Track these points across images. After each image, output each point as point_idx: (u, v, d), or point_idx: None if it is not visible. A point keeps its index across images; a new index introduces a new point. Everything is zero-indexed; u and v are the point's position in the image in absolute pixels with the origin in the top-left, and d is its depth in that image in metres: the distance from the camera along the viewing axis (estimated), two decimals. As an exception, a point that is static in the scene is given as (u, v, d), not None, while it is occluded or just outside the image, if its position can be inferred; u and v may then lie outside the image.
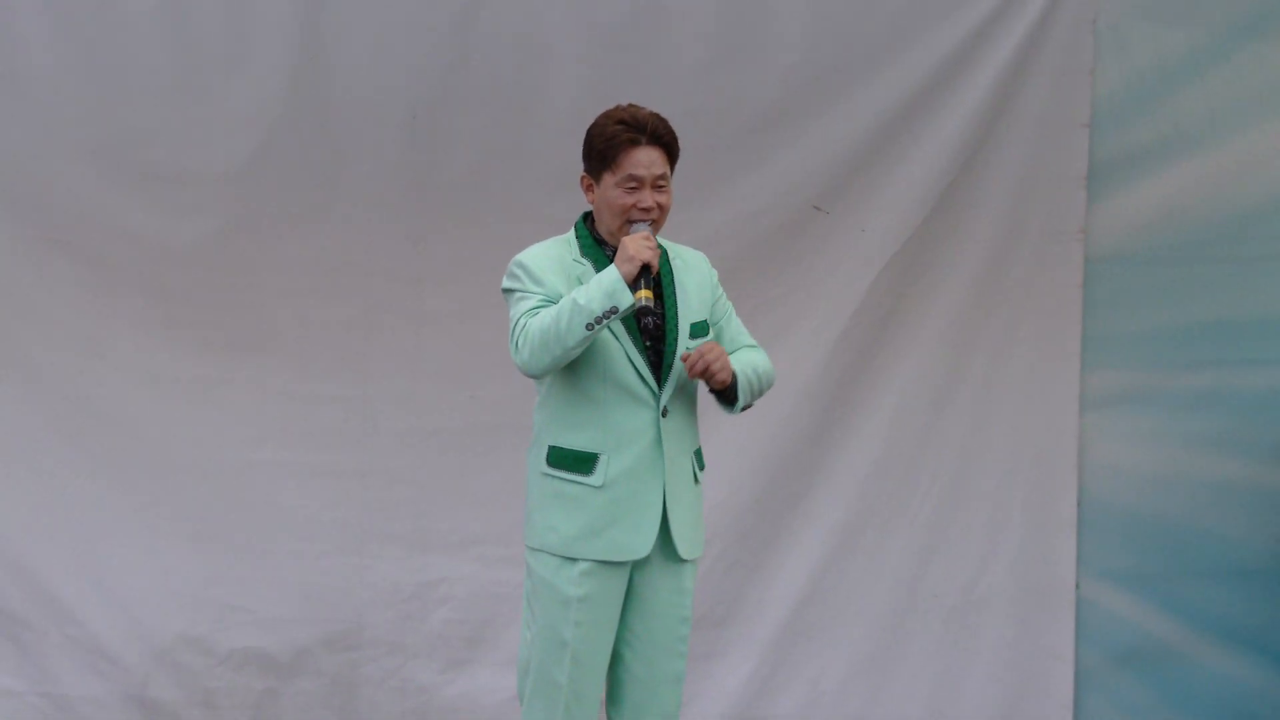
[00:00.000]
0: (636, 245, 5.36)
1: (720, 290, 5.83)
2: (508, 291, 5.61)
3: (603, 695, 5.75)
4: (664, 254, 5.67)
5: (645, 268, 5.36)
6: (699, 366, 5.47)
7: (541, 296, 5.51)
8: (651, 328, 5.55)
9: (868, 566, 7.65)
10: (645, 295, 5.33)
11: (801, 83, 7.46)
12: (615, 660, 5.68)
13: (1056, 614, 7.60)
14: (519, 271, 5.54)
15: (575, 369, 5.52)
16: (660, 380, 5.57)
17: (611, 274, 5.34)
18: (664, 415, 5.54)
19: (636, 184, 5.48)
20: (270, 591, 7.60)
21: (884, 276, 7.55)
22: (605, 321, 5.33)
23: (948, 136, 7.47)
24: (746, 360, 5.71)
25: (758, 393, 5.71)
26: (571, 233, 5.70)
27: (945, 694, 7.65)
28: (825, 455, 7.63)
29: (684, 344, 5.58)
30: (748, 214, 7.53)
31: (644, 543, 5.51)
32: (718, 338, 5.75)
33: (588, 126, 5.67)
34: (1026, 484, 7.64)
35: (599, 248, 5.61)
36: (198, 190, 7.50)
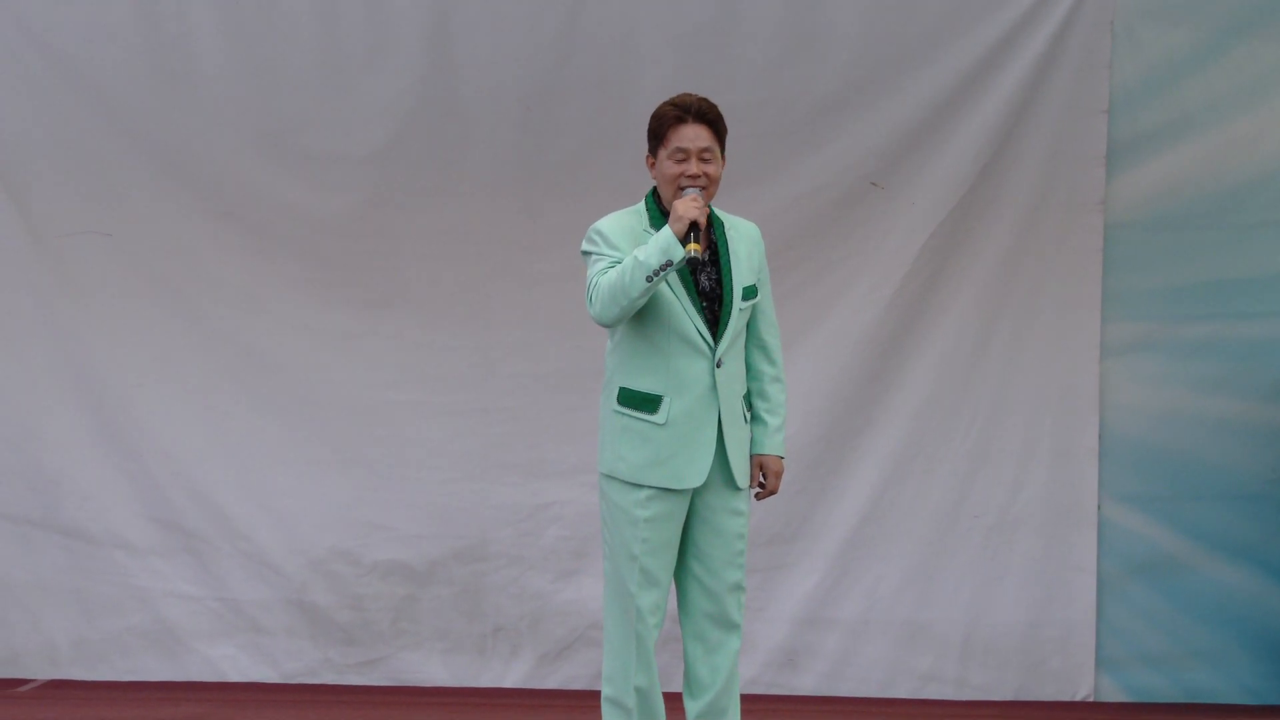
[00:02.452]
0: (685, 206, 5.56)
1: (765, 259, 5.95)
2: (586, 254, 5.78)
3: (670, 603, 5.92)
4: (720, 224, 5.85)
5: (694, 225, 5.53)
6: (773, 494, 5.96)
7: (613, 259, 5.69)
8: (708, 290, 5.74)
9: (917, 491, 8.04)
10: (694, 248, 5.51)
11: (857, 76, 7.89)
12: (685, 573, 5.86)
13: (1081, 532, 7.97)
14: (596, 237, 5.75)
15: (643, 322, 5.72)
16: (716, 336, 5.76)
17: (665, 232, 5.53)
18: (718, 366, 5.74)
19: (684, 155, 5.69)
20: (408, 512, 8.09)
21: (931, 242, 7.95)
22: (662, 273, 5.50)
23: (986, 121, 7.88)
24: (777, 423, 5.92)
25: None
26: (642, 205, 5.86)
27: (984, 600, 8.00)
28: (881, 396, 8.03)
29: (737, 306, 5.75)
30: (812, 189, 7.93)
31: (699, 473, 5.73)
32: (755, 307, 5.89)
33: None
34: (1054, 419, 7.98)
35: (665, 219, 5.76)
36: (344, 170, 8.06)
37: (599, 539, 7.44)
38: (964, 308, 8.05)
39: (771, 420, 5.91)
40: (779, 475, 5.91)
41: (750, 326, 5.92)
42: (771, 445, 5.90)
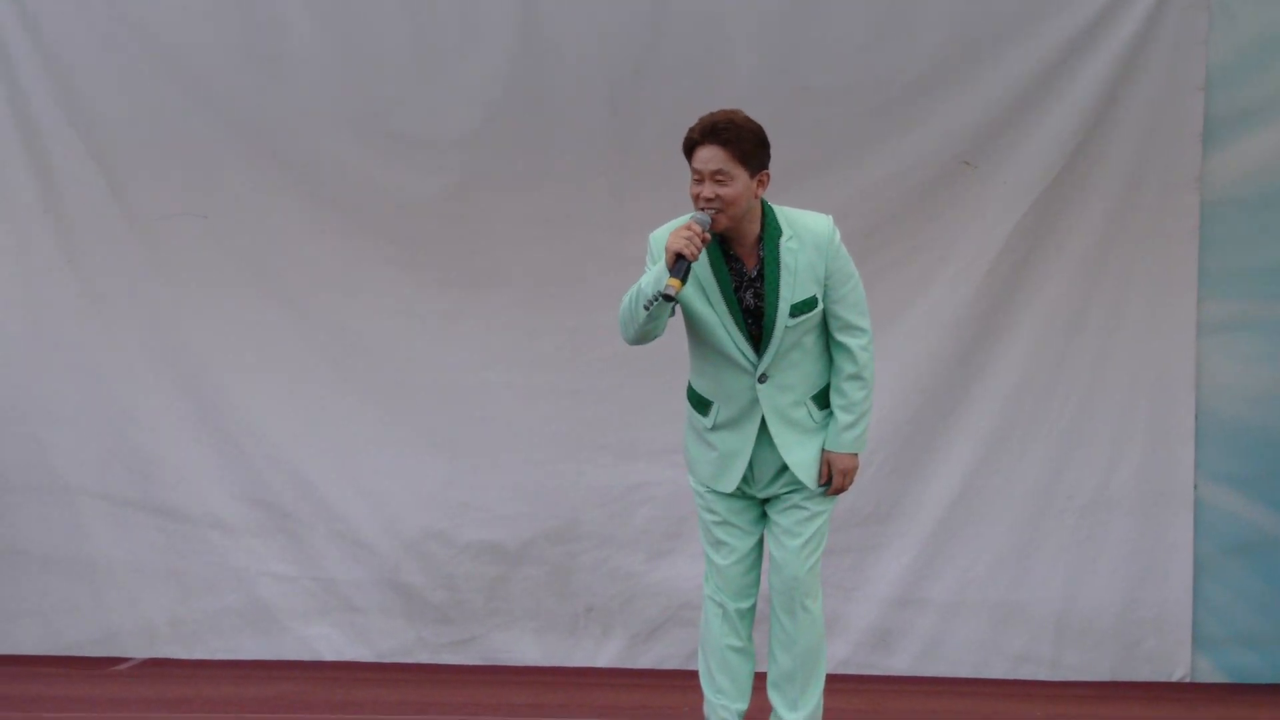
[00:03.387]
0: (674, 237, 5.49)
1: (842, 260, 5.75)
2: None
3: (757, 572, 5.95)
4: (775, 234, 5.71)
5: (680, 257, 5.45)
6: (840, 491, 5.84)
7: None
8: (753, 307, 5.69)
9: (1011, 471, 8.05)
10: (671, 284, 5.41)
11: (948, 57, 7.90)
12: (768, 544, 5.91)
13: (1177, 512, 7.97)
14: (647, 247, 5.76)
15: (695, 333, 5.78)
16: (759, 352, 5.73)
17: (661, 263, 5.53)
18: (761, 381, 5.73)
19: (699, 177, 5.61)
20: (500, 492, 8.18)
21: (1024, 222, 7.96)
22: (656, 303, 5.48)
23: (1080, 99, 7.89)
24: (849, 420, 5.79)
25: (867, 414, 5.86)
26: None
27: (1078, 580, 8.02)
28: (973, 376, 8.05)
29: (783, 322, 5.66)
30: (904, 169, 7.95)
31: (731, 481, 5.79)
32: (826, 311, 5.75)
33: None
34: (1150, 400, 8.00)
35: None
36: (436, 153, 8.14)
37: (690, 520, 7.57)
38: (1058, 287, 8.06)
39: (843, 418, 5.85)
40: (845, 473, 5.85)
41: (827, 325, 5.84)
42: (837, 443, 5.85)
